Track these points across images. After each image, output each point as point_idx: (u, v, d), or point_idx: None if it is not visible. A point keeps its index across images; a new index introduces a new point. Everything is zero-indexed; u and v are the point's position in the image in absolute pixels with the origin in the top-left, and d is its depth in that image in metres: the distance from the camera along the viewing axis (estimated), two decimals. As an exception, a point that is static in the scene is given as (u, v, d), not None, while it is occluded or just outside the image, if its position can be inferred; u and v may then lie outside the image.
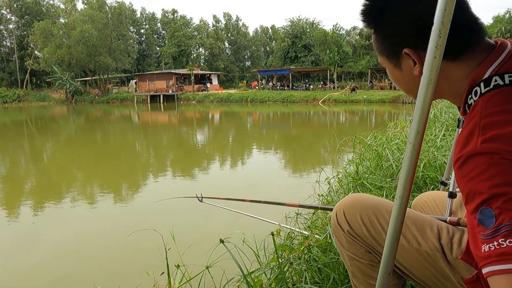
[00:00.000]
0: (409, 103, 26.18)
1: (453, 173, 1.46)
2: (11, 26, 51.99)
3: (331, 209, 1.71)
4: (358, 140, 4.32)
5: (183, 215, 4.99)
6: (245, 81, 46.04)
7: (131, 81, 46.19)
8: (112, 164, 9.69)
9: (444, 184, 1.69)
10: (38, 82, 53.71)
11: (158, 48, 62.93)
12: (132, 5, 70.82)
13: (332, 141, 6.65)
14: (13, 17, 51.71)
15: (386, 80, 38.11)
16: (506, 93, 0.65)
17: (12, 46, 52.19)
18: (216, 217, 4.68)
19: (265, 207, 2.19)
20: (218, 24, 64.92)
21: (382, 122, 7.60)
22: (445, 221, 0.96)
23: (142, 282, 2.11)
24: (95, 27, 41.31)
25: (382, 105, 26.92)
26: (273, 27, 68.36)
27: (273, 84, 41.06)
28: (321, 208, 2.02)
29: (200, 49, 57.41)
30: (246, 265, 1.76)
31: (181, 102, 39.18)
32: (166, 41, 54.44)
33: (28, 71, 49.61)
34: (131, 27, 58.38)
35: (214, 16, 74.86)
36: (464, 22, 0.71)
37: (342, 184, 3.23)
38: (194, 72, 41.20)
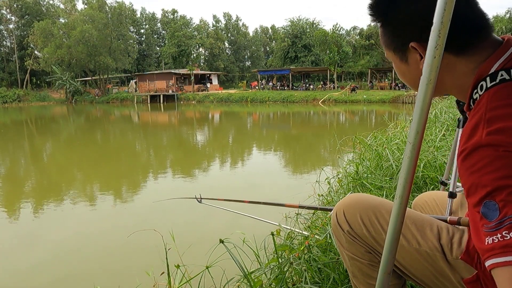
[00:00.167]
0: (409, 103, 26.19)
1: (453, 173, 1.46)
2: (11, 26, 52.01)
3: (330, 210, 1.71)
4: (358, 140, 4.32)
5: (183, 215, 4.99)
6: (245, 81, 46.05)
7: (131, 81, 46.19)
8: (112, 164, 9.69)
9: (444, 184, 1.69)
10: (38, 82, 53.71)
11: (158, 48, 62.93)
12: (132, 5, 70.93)
13: (332, 141, 6.65)
14: (13, 17, 51.73)
15: (386, 80, 38.15)
16: None
17: (12, 46, 52.21)
18: (216, 217, 4.68)
19: (265, 207, 2.19)
20: (218, 24, 64.93)
21: (382, 122, 7.60)
22: (445, 221, 0.96)
23: (142, 282, 2.11)
24: (95, 27, 41.31)
25: (382, 105, 26.92)
26: (273, 27, 68.38)
27: (273, 84, 41.05)
28: (321, 209, 2.02)
29: (200, 49, 57.42)
30: (246, 265, 1.76)
31: (181, 102, 39.18)
32: (166, 41, 54.44)
33: (28, 71, 49.62)
34: (131, 27, 58.38)
35: (214, 16, 74.93)
36: (472, 18, 0.72)
37: (342, 184, 3.23)
38: (194, 72, 41.20)
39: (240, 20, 74.16)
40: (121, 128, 19.71)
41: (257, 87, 40.87)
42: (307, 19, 49.54)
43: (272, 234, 1.73)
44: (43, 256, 4.07)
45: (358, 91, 32.48)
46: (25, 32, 49.99)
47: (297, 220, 2.31)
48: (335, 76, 36.66)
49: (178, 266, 1.70)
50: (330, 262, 1.64)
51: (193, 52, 52.89)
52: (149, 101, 39.36)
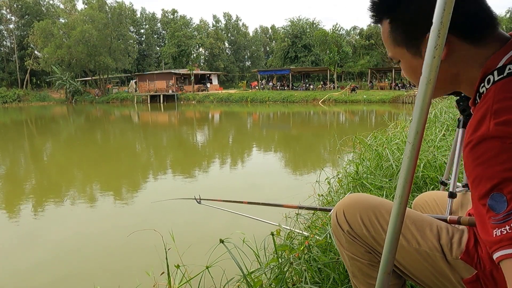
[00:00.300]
0: (409, 103, 26.19)
1: (453, 173, 1.46)
2: (11, 26, 52.02)
3: (329, 210, 1.71)
4: (358, 140, 4.32)
5: (183, 215, 4.99)
6: (245, 81, 46.03)
7: (131, 81, 46.19)
8: (112, 164, 9.69)
9: (444, 184, 1.69)
10: (38, 82, 53.71)
11: (158, 48, 62.92)
12: (132, 5, 70.94)
13: (332, 141, 6.65)
14: (13, 17, 51.73)
15: (386, 80, 38.14)
16: None
17: (12, 46, 52.21)
18: (215, 217, 4.67)
19: (264, 207, 2.19)
20: (218, 24, 64.93)
21: (382, 122, 7.60)
22: (445, 220, 0.96)
23: (142, 282, 2.11)
24: (95, 27, 41.31)
25: (382, 105, 26.92)
26: (273, 27, 68.38)
27: (273, 84, 41.05)
28: (320, 209, 2.02)
29: (200, 49, 57.40)
30: (246, 265, 1.76)
31: (181, 102, 39.18)
32: (166, 41, 54.44)
33: (28, 71, 49.62)
34: (131, 27, 58.38)
35: (214, 16, 74.90)
36: (484, 10, 0.72)
37: (342, 184, 3.23)
38: (194, 72, 41.20)
39: (240, 20, 74.24)
40: (121, 128, 19.71)
41: (257, 87, 40.86)
42: (307, 19, 49.55)
43: (272, 234, 1.73)
44: (43, 256, 4.07)
45: (358, 91, 32.48)
46: (25, 32, 49.99)
47: (297, 220, 2.31)
48: (335, 76, 36.66)
49: (178, 266, 1.70)
50: (330, 262, 1.64)
51: (193, 52, 52.88)
52: (149, 101, 39.36)
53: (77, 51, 40.88)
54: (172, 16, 60.76)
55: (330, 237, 1.73)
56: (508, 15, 36.69)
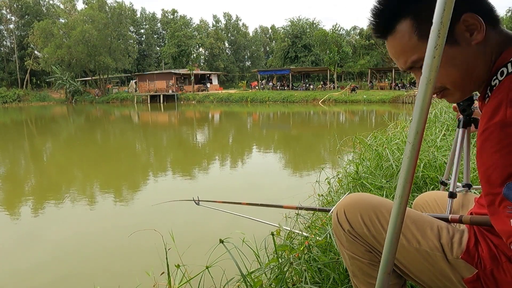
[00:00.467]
0: (409, 103, 26.18)
1: (453, 173, 1.46)
2: (11, 26, 52.01)
3: (328, 210, 1.71)
4: (358, 140, 4.32)
5: (182, 215, 4.99)
6: (245, 81, 46.03)
7: (131, 81, 46.20)
8: (112, 164, 9.69)
9: (444, 184, 1.68)
10: (38, 82, 53.70)
11: (158, 48, 62.94)
12: (132, 5, 70.97)
13: (332, 141, 6.66)
14: (13, 17, 51.73)
15: (386, 80, 38.15)
16: None
17: (12, 46, 52.21)
18: (215, 217, 4.67)
19: (264, 207, 2.18)
20: (218, 24, 64.95)
21: (382, 122, 7.59)
22: (447, 219, 0.96)
23: (142, 282, 2.10)
24: (95, 27, 41.31)
25: (382, 105, 26.92)
26: (273, 27, 68.39)
27: (273, 84, 41.05)
28: (319, 210, 2.01)
29: (200, 49, 57.41)
30: (246, 265, 1.76)
31: (181, 102, 39.18)
32: (166, 41, 54.44)
33: (28, 71, 49.62)
34: (131, 27, 58.38)
35: (214, 16, 74.93)
36: (491, 7, 0.74)
37: (342, 184, 3.23)
38: (194, 72, 41.20)
39: (240, 20, 74.33)
40: (121, 128, 19.70)
41: (257, 87, 40.86)
42: (307, 19, 49.55)
43: (272, 234, 1.73)
44: (43, 256, 4.07)
45: (358, 91, 32.48)
46: (25, 32, 49.99)
47: (297, 220, 2.31)
48: (335, 76, 36.66)
49: (178, 266, 1.70)
50: (330, 262, 1.64)
51: (193, 52, 52.88)
52: (149, 101, 39.36)
53: (77, 51, 40.89)
54: (172, 16, 60.76)
55: (330, 237, 1.73)
56: (508, 14, 36.66)
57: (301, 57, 47.40)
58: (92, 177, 8.09)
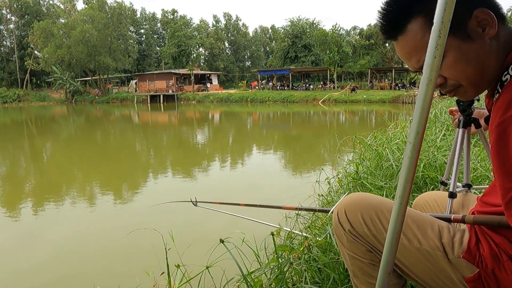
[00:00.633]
0: (409, 103, 26.19)
1: (453, 173, 1.46)
2: (11, 26, 52.01)
3: (328, 211, 1.71)
4: (358, 140, 4.31)
5: (182, 215, 4.99)
6: (245, 81, 46.04)
7: (131, 81, 46.20)
8: (112, 165, 9.69)
9: (444, 184, 1.68)
10: (38, 82, 53.70)
11: (158, 48, 62.95)
12: (132, 5, 70.97)
13: (332, 141, 6.65)
14: (13, 17, 51.73)
15: (386, 80, 38.16)
16: None
17: (12, 46, 52.21)
18: (215, 217, 4.65)
19: (264, 208, 2.18)
20: (218, 24, 64.95)
21: (382, 122, 7.59)
22: (449, 219, 0.96)
23: (142, 282, 2.10)
24: (95, 27, 41.32)
25: (382, 105, 26.92)
26: (273, 27, 68.41)
27: (273, 84, 41.05)
28: (319, 210, 2.00)
29: (200, 49, 57.41)
30: (246, 265, 1.76)
31: (181, 102, 39.17)
32: (166, 41, 54.43)
33: (28, 71, 49.62)
34: (131, 27, 58.40)
35: (214, 16, 74.92)
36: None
37: (342, 184, 3.23)
38: (194, 72, 41.20)
39: (240, 20, 74.37)
40: (121, 128, 19.70)
41: (257, 87, 40.87)
42: (307, 19, 49.57)
43: (272, 234, 1.73)
44: (43, 256, 4.07)
45: (358, 91, 32.48)
46: (25, 32, 49.99)
47: (297, 220, 2.31)
48: (335, 76, 36.66)
49: (178, 266, 1.70)
50: (330, 262, 1.64)
51: (193, 52, 52.86)
52: (149, 101, 39.36)
53: (77, 51, 40.89)
54: (172, 16, 60.77)
55: (330, 237, 1.73)
56: (509, 14, 36.72)
57: (301, 57, 47.41)
58: (92, 177, 8.09)
